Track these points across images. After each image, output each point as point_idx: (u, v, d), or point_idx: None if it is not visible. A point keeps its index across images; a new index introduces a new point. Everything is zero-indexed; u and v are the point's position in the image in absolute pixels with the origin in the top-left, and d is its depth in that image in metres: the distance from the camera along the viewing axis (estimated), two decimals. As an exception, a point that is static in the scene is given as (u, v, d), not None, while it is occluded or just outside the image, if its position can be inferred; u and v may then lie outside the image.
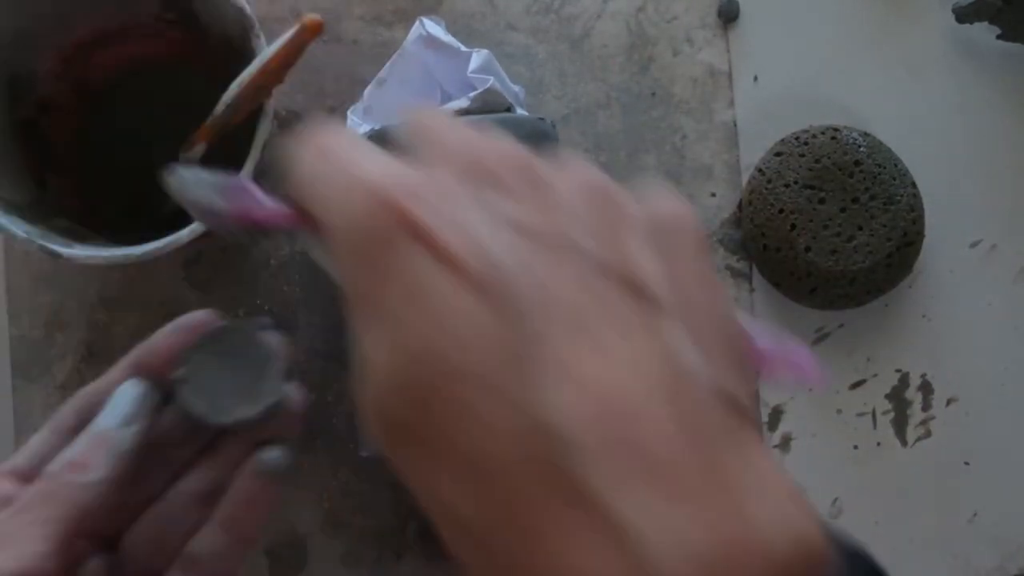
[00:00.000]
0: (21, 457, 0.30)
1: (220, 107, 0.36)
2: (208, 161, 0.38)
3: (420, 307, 0.18)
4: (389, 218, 0.18)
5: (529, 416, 0.16)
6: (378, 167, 0.19)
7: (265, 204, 0.25)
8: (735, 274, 0.45)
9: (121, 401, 0.30)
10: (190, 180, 0.26)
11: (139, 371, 0.30)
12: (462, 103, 0.38)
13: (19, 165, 0.38)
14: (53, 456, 0.29)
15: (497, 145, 0.20)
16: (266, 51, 0.35)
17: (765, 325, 0.21)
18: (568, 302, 0.18)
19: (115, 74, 0.42)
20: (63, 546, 0.27)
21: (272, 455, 0.29)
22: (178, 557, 0.29)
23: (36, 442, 0.30)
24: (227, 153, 0.37)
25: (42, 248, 0.34)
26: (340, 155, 0.20)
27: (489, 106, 0.38)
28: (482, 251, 0.18)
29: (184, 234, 0.35)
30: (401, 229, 0.18)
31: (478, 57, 0.39)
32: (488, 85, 0.38)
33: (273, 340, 0.29)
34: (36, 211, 0.37)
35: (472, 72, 0.38)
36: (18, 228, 0.34)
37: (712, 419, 0.17)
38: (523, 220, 0.19)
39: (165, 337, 0.30)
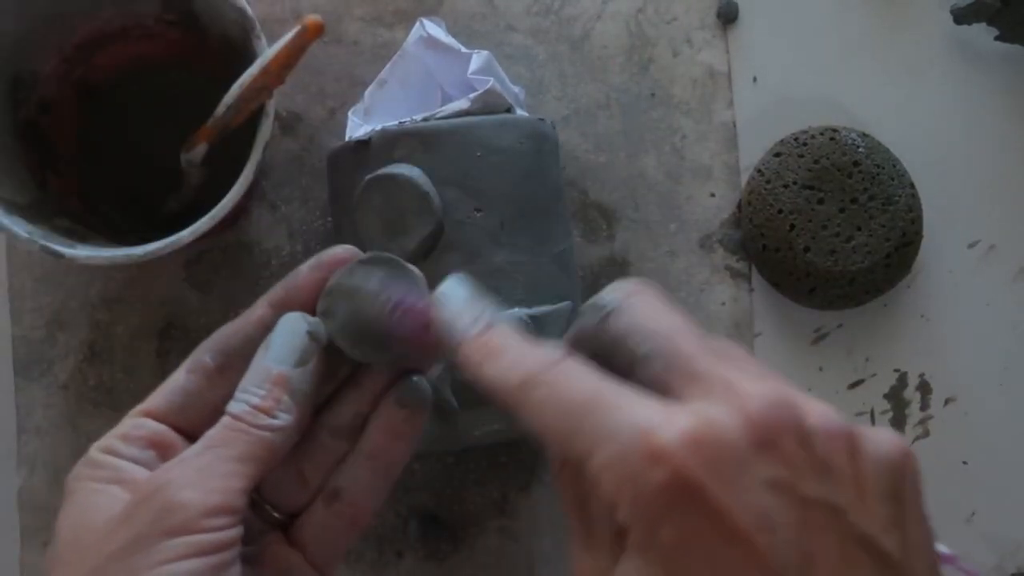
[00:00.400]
0: (159, 398, 0.29)
1: (221, 108, 0.36)
2: (209, 162, 0.38)
3: (698, 567, 0.21)
4: (674, 481, 0.21)
5: None
6: (651, 415, 0.22)
7: (435, 335, 0.28)
8: (735, 274, 0.45)
9: (290, 338, 0.29)
10: (367, 285, 0.29)
11: (281, 309, 0.29)
12: (462, 104, 0.38)
13: (21, 166, 0.38)
14: (197, 399, 0.29)
15: (779, 407, 0.22)
16: (267, 52, 0.35)
17: (944, 546, 0.25)
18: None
19: (116, 75, 0.42)
20: (253, 486, 0.27)
21: (414, 383, 0.29)
22: (320, 492, 0.29)
23: (174, 384, 0.29)
24: (228, 154, 0.37)
25: (44, 248, 0.34)
26: (602, 393, 0.23)
27: (489, 107, 0.38)
28: (769, 528, 0.21)
29: (185, 235, 0.35)
30: (687, 494, 0.21)
31: (478, 58, 0.39)
32: (488, 86, 0.38)
33: (414, 271, 0.29)
34: (38, 211, 0.37)
35: (472, 73, 0.38)
36: (20, 229, 0.35)
37: None
38: (796, 485, 0.21)
39: (307, 274, 0.29)
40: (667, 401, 0.23)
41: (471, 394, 0.35)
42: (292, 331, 0.29)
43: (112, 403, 0.43)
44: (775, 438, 0.22)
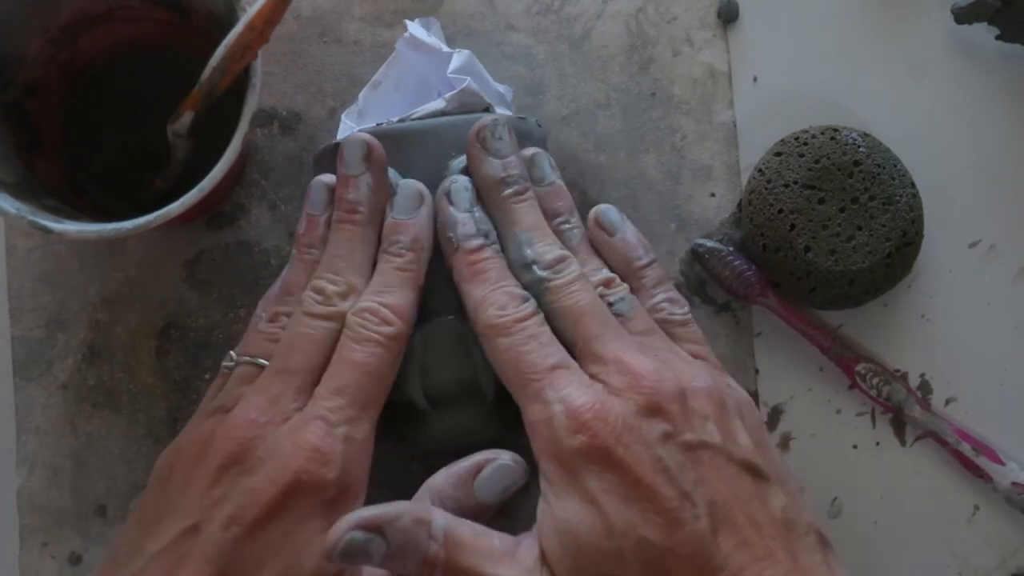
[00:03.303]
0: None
1: (207, 71, 0.35)
2: (196, 135, 0.38)
3: (616, 511, 0.29)
4: (589, 445, 0.29)
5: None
6: (576, 394, 0.30)
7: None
8: (735, 274, 0.45)
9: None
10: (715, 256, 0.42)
11: None
12: (438, 104, 0.37)
13: (7, 148, 0.38)
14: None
15: (662, 381, 0.31)
16: (251, 9, 0.35)
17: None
18: (718, 491, 0.29)
19: (102, 56, 0.42)
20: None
21: None
22: None
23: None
24: (215, 135, 0.37)
25: (32, 223, 0.34)
26: (548, 368, 0.32)
27: (466, 106, 0.38)
28: (663, 470, 0.28)
29: (174, 207, 0.34)
30: (598, 454, 0.29)
31: (459, 57, 0.39)
32: (463, 85, 0.37)
33: None
34: (26, 190, 0.37)
35: (451, 72, 0.38)
36: (9, 205, 0.34)
37: (815, 549, 0.30)
38: (679, 435, 0.29)
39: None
40: (587, 381, 0.31)
41: (442, 395, 0.35)
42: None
43: (112, 403, 0.43)
44: (660, 404, 0.30)
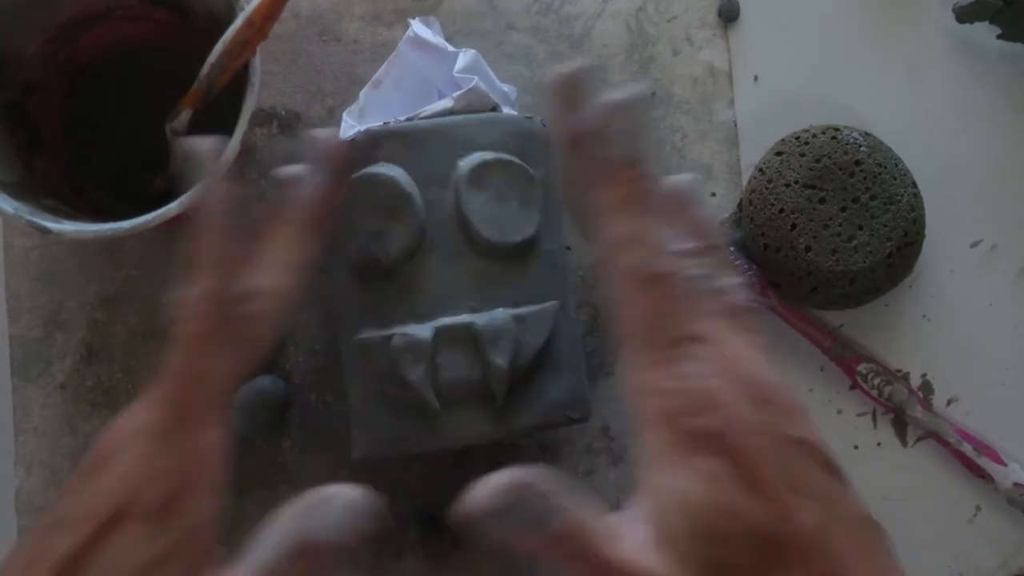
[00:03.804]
0: None
1: (205, 68, 0.35)
2: (196, 132, 0.38)
3: (736, 493, 0.27)
4: (710, 424, 0.28)
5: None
6: (705, 375, 0.29)
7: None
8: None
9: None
10: None
11: None
12: (446, 103, 0.37)
13: (6, 146, 0.38)
14: None
15: (757, 370, 0.29)
16: (250, 4, 0.35)
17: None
18: (819, 487, 0.28)
19: (101, 56, 0.42)
20: None
21: None
22: None
23: None
24: (214, 126, 0.36)
25: (30, 223, 0.34)
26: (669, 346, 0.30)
27: (473, 106, 0.38)
28: (781, 470, 0.27)
29: (173, 207, 0.34)
30: (713, 438, 0.27)
31: (464, 57, 0.39)
32: (471, 85, 0.37)
33: None
34: (24, 190, 0.37)
35: (457, 72, 0.38)
36: (7, 204, 0.34)
37: (890, 552, 0.29)
38: (784, 431, 0.28)
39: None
40: (709, 360, 0.29)
41: (452, 395, 0.35)
42: None
43: (110, 404, 0.43)
44: (761, 394, 0.29)
